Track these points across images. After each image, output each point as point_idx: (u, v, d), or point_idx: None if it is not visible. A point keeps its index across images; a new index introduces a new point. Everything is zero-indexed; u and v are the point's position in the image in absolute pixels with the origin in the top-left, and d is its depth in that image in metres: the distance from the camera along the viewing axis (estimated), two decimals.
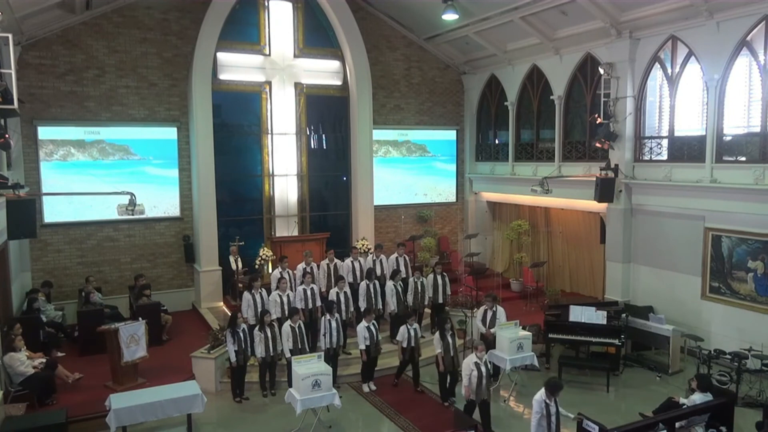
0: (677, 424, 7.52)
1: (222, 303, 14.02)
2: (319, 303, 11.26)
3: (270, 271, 13.34)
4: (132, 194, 10.47)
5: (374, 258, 12.71)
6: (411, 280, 11.98)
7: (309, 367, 8.66)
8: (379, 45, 16.33)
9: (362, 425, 9.34)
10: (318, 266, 12.30)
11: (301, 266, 12.00)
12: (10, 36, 8.55)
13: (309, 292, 11.17)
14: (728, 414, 7.88)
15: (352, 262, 12.36)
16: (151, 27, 13.82)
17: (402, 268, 12.44)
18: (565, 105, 14.47)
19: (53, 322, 11.84)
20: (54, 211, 13.23)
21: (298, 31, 15.09)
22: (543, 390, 7.33)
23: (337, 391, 8.87)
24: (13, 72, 8.37)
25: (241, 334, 9.77)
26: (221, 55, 14.18)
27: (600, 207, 13.26)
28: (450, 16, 13.56)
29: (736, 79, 10.85)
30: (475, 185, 17.86)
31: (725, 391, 9.39)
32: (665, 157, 12.19)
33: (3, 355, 9.09)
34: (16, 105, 8.55)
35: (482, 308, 10.89)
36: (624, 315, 11.69)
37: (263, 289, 11.12)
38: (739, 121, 10.97)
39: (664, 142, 12.24)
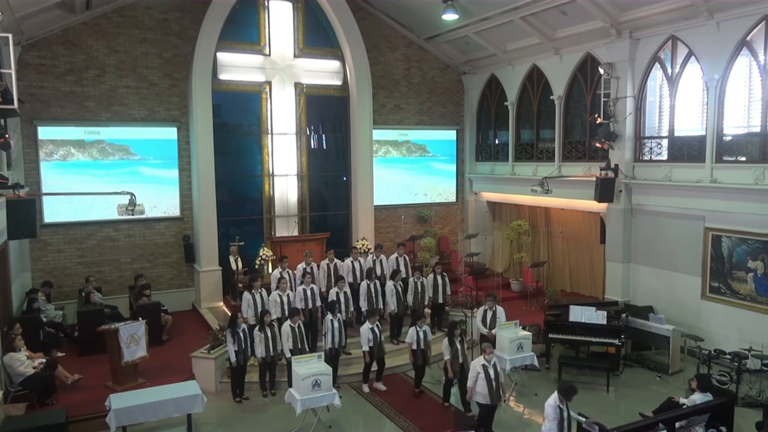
0: (677, 424, 7.52)
1: (222, 303, 14.02)
2: (319, 303, 11.27)
3: (270, 271, 13.34)
4: (132, 194, 10.47)
5: (374, 258, 12.72)
6: (411, 280, 11.99)
7: (309, 367, 8.66)
8: (379, 45, 16.33)
9: (362, 425, 9.34)
10: (318, 266, 12.31)
11: (301, 266, 12.01)
12: (10, 36, 8.54)
13: (309, 292, 11.17)
14: (728, 414, 7.87)
15: (352, 262, 12.37)
16: (151, 27, 13.83)
17: (402, 268, 12.45)
18: (565, 105, 14.47)
19: (53, 322, 11.84)
20: (54, 211, 13.23)
21: (298, 31, 15.09)
22: (556, 394, 6.98)
23: (337, 391, 8.89)
24: (13, 72, 8.37)
25: (241, 334, 9.77)
26: (221, 55, 14.19)
27: (600, 207, 13.26)
28: (450, 16, 13.57)
29: (736, 79, 10.85)
30: (475, 185, 17.86)
31: (725, 391, 9.38)
32: (665, 157, 12.19)
33: (3, 355, 9.09)
34: (16, 105, 8.56)
35: (482, 308, 10.89)
36: (624, 315, 11.68)
37: (263, 289, 11.12)
38: (739, 121, 10.97)
39: (664, 142, 12.24)
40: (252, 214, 15.13)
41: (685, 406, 7.97)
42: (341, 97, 15.68)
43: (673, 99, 11.98)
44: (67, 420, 8.13)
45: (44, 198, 12.93)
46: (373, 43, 16.06)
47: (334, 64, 15.51)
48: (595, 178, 12.63)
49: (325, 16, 15.13)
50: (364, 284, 11.53)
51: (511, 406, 9.91)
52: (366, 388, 10.33)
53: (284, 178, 15.30)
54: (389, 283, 11.66)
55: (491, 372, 8.17)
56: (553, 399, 6.98)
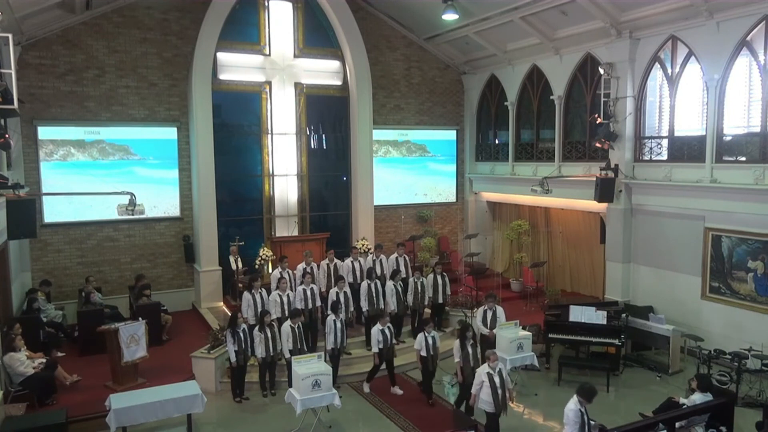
0: (677, 424, 7.52)
1: (222, 303, 14.02)
2: (319, 303, 11.26)
3: (270, 271, 13.34)
4: (132, 194, 10.47)
5: (374, 258, 12.72)
6: (411, 280, 11.98)
7: (309, 367, 8.66)
8: (379, 45, 16.33)
9: (362, 425, 9.34)
10: (318, 266, 12.30)
11: (301, 266, 12.01)
12: (10, 36, 8.54)
13: (309, 292, 11.17)
14: (728, 414, 7.87)
15: (352, 262, 12.37)
16: (151, 27, 13.83)
17: (402, 268, 12.45)
18: (565, 105, 14.47)
19: (53, 322, 11.83)
20: (54, 211, 13.23)
21: (298, 31, 15.09)
22: (575, 398, 6.86)
23: (337, 391, 8.88)
24: (13, 72, 8.37)
25: (241, 334, 9.77)
26: (221, 55, 14.18)
27: (600, 207, 13.26)
28: (450, 16, 13.57)
29: (736, 79, 10.85)
30: (475, 185, 17.86)
31: (725, 391, 9.39)
32: (665, 157, 12.19)
33: (3, 355, 9.09)
34: (16, 105, 8.55)
35: (482, 308, 10.87)
36: (624, 315, 11.68)
37: (263, 289, 11.12)
38: (739, 121, 10.97)
39: (664, 142, 12.24)
40: (252, 214, 15.13)
41: (685, 406, 7.98)
42: (341, 97, 15.68)
43: (673, 99, 11.98)
44: (67, 420, 8.13)
45: (44, 198, 12.93)
46: (373, 43, 16.06)
47: (334, 64, 15.51)
48: (595, 178, 12.63)
49: (325, 16, 15.13)
50: (364, 284, 11.52)
51: (511, 406, 9.89)
52: (366, 388, 10.33)
53: (284, 178, 15.29)
54: (389, 283, 11.66)
55: (496, 380, 7.92)
56: (574, 403, 6.84)
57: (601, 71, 12.66)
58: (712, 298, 11.37)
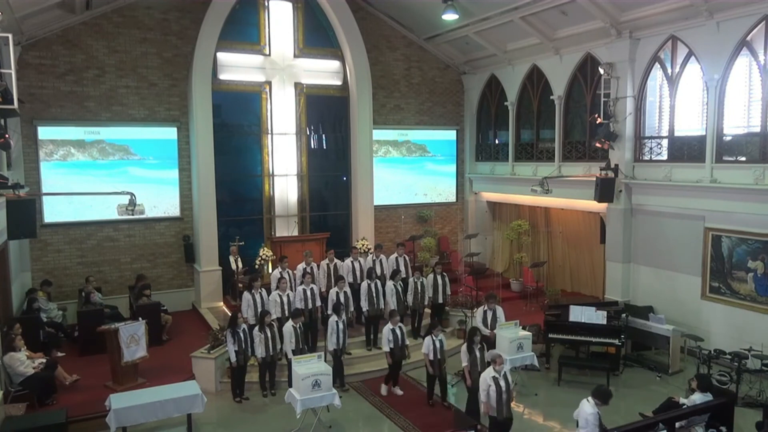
0: (677, 424, 7.52)
1: (222, 303, 14.02)
2: (319, 303, 11.26)
3: (270, 271, 13.34)
4: (132, 194, 10.47)
5: (374, 258, 12.72)
6: (411, 280, 11.98)
7: (309, 367, 8.66)
8: (379, 45, 16.33)
9: (362, 425, 9.34)
10: (318, 266, 12.30)
11: (301, 266, 12.01)
12: (10, 36, 8.54)
13: (309, 292, 11.17)
14: (728, 414, 7.87)
15: (352, 262, 12.37)
16: (151, 27, 13.83)
17: (402, 268, 12.45)
18: (565, 105, 14.47)
19: (53, 322, 11.83)
20: (54, 211, 13.23)
21: (298, 31, 15.09)
22: (592, 401, 6.86)
23: (339, 391, 8.85)
24: (13, 72, 8.37)
25: (241, 334, 9.77)
26: (221, 55, 14.18)
27: (600, 207, 13.26)
28: (450, 16, 13.57)
29: (736, 79, 10.85)
30: (475, 185, 17.86)
31: (725, 391, 9.39)
32: (665, 157, 12.19)
33: (3, 355, 9.09)
34: (16, 105, 8.55)
35: (481, 309, 10.85)
36: (624, 315, 11.68)
37: (263, 289, 11.12)
38: (739, 121, 10.97)
39: (664, 142, 12.24)
40: (252, 214, 15.13)
41: (685, 406, 7.97)
42: (341, 97, 15.68)
43: (673, 99, 11.98)
44: (67, 420, 8.13)
45: (44, 198, 12.93)
46: (373, 43, 16.06)
47: (334, 64, 15.51)
48: (595, 178, 12.63)
49: (325, 16, 15.13)
50: (364, 284, 11.52)
51: (511, 406, 9.89)
52: (384, 390, 10.17)
53: (284, 178, 15.29)
54: (389, 283, 11.66)
55: (502, 384, 7.76)
56: (591, 406, 6.83)
57: (601, 71, 12.66)
58: (712, 298, 11.37)
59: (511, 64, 15.85)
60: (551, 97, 14.67)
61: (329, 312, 10.95)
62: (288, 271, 11.79)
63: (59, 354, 11.07)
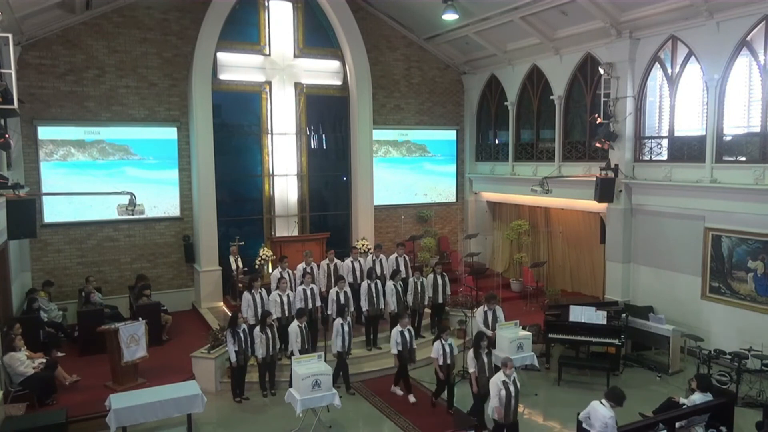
0: (677, 424, 7.52)
1: (222, 303, 14.02)
2: (319, 303, 11.26)
3: (270, 271, 13.34)
4: (132, 194, 10.47)
5: (374, 258, 12.71)
6: (411, 280, 11.98)
7: (309, 367, 8.66)
8: (379, 45, 16.33)
9: (362, 425, 9.34)
10: (318, 266, 12.30)
11: (301, 266, 12.01)
12: (10, 36, 8.54)
13: (309, 292, 11.17)
14: (728, 414, 7.88)
15: (352, 262, 12.37)
16: (151, 27, 13.83)
17: (402, 268, 12.45)
18: (565, 105, 14.47)
19: (53, 322, 11.83)
20: (54, 211, 13.23)
21: (298, 31, 15.09)
22: (607, 404, 6.88)
23: (346, 394, 8.76)
24: (13, 72, 8.37)
25: (241, 335, 9.77)
26: (221, 55, 14.18)
27: (600, 207, 13.26)
28: (450, 16, 13.56)
29: (736, 79, 10.85)
30: (475, 185, 17.86)
31: (725, 391, 9.38)
32: (665, 157, 12.19)
33: (3, 355, 9.09)
34: (16, 105, 8.55)
35: (481, 309, 10.81)
36: (624, 315, 11.68)
37: (263, 289, 11.11)
38: (739, 121, 10.97)
39: (664, 142, 12.24)
40: (252, 214, 15.13)
41: (685, 406, 7.97)
42: (341, 97, 15.68)
43: (673, 99, 11.97)
44: (67, 420, 8.13)
45: (44, 198, 12.93)
46: (373, 43, 16.06)
47: (334, 64, 15.51)
48: (595, 178, 12.63)
49: (325, 16, 15.13)
50: (364, 284, 11.52)
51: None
52: (398, 391, 10.09)
53: (284, 178, 15.29)
54: (389, 283, 11.65)
55: (511, 389, 7.67)
56: (608, 409, 6.83)
57: (601, 71, 12.66)
58: (712, 298, 11.37)
59: (511, 64, 15.85)
60: (551, 97, 14.67)
61: (329, 312, 10.96)
62: (288, 271, 11.79)
63: (59, 354, 11.07)
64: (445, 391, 9.55)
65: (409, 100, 17.04)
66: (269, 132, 15.01)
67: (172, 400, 8.36)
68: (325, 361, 9.25)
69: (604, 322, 10.94)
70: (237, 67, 14.45)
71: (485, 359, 8.72)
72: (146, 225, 14.10)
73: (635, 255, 12.86)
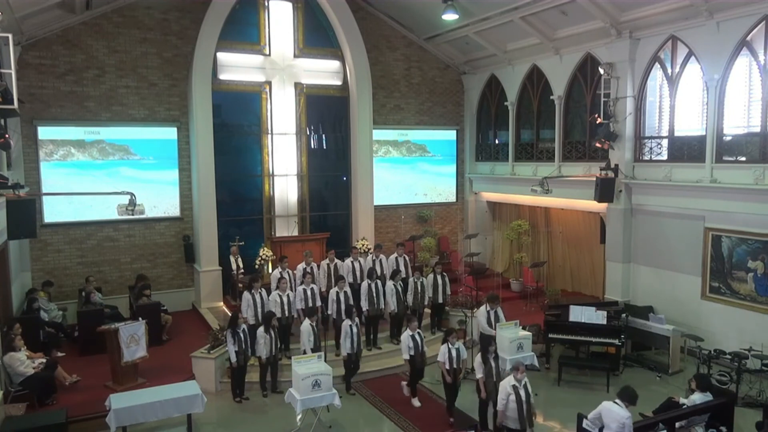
0: (677, 424, 7.52)
1: (222, 303, 14.02)
2: (319, 303, 11.25)
3: (270, 271, 13.34)
4: (132, 194, 10.47)
5: (374, 258, 12.71)
6: (411, 280, 11.98)
7: (309, 367, 8.66)
8: (379, 45, 16.33)
9: (362, 425, 9.34)
10: (318, 266, 12.30)
11: (301, 266, 12.02)
12: (10, 36, 8.54)
13: (309, 292, 11.17)
14: (728, 414, 7.88)
15: (352, 262, 12.37)
16: (151, 27, 13.82)
17: (402, 268, 12.45)
18: (565, 105, 14.46)
19: (53, 322, 11.83)
20: (54, 211, 13.23)
21: (298, 31, 15.09)
22: (622, 404, 6.85)
23: (349, 392, 8.67)
24: (13, 72, 8.37)
25: (241, 335, 9.77)
26: (221, 55, 14.18)
27: (600, 207, 13.26)
28: (450, 16, 13.56)
29: (736, 79, 10.85)
30: (475, 185, 17.86)
31: (725, 391, 9.38)
32: (665, 157, 12.19)
33: (3, 355, 9.08)
34: (16, 105, 8.55)
35: (484, 309, 10.75)
36: (624, 315, 11.68)
37: (263, 289, 11.11)
38: (739, 121, 10.97)
39: (664, 142, 12.24)
40: (252, 214, 15.13)
41: (685, 406, 7.97)
42: (341, 97, 15.68)
43: (673, 99, 11.97)
44: (67, 420, 8.13)
45: (44, 198, 12.93)
46: (373, 43, 16.06)
47: (334, 64, 15.51)
48: (595, 178, 12.63)
49: (325, 16, 15.13)
50: (365, 284, 11.51)
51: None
52: (416, 403, 9.75)
53: (284, 178, 15.29)
54: (389, 283, 11.65)
55: (522, 393, 7.50)
56: (623, 408, 6.80)
57: (601, 71, 12.65)
58: (712, 298, 11.37)
59: (511, 64, 15.85)
60: (551, 97, 14.67)
61: (329, 312, 10.96)
62: (288, 271, 11.79)
63: (59, 354, 11.07)
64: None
65: (409, 100, 17.03)
66: (269, 132, 15.01)
67: (172, 400, 8.36)
68: (325, 361, 9.26)
69: (604, 322, 10.94)
70: (237, 67, 14.45)
71: (493, 364, 8.49)
72: (146, 225, 14.10)
73: (635, 255, 12.86)
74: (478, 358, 8.62)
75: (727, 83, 10.87)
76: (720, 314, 11.20)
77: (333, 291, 11.15)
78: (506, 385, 7.57)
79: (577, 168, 13.82)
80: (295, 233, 15.14)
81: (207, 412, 9.09)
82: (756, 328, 10.48)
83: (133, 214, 10.68)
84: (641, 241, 12.72)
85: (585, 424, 7.22)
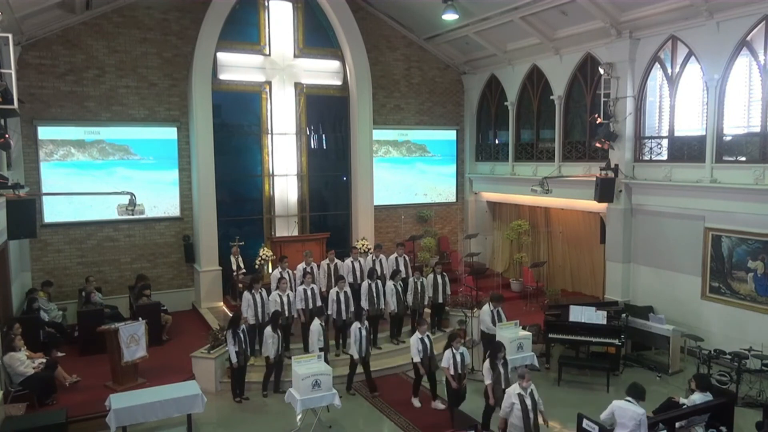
0: (677, 424, 7.51)
1: (222, 303, 14.02)
2: (319, 303, 11.25)
3: (270, 271, 13.34)
4: (132, 194, 10.47)
5: (374, 258, 12.71)
6: (411, 280, 11.98)
7: (309, 367, 8.66)
8: (379, 45, 16.33)
9: (362, 425, 9.33)
10: (318, 266, 12.30)
11: (301, 266, 12.02)
12: (10, 36, 8.54)
13: (309, 292, 11.17)
14: (728, 414, 7.87)
15: (352, 262, 12.38)
16: (151, 27, 13.82)
17: (402, 268, 12.45)
18: (565, 105, 14.46)
19: (53, 322, 11.83)
20: (54, 211, 13.23)
21: (298, 31, 15.09)
22: (634, 401, 6.88)
23: (349, 392, 8.63)
24: (13, 72, 8.37)
25: (241, 335, 9.77)
26: (221, 55, 14.18)
27: (600, 207, 13.26)
28: (450, 16, 13.56)
29: (736, 79, 10.85)
30: (475, 185, 17.86)
31: (725, 391, 9.38)
32: (665, 157, 12.19)
33: (3, 355, 9.08)
34: (16, 105, 8.55)
35: (487, 308, 10.72)
36: (624, 315, 11.68)
37: (263, 289, 11.11)
38: (739, 121, 10.97)
39: (664, 142, 12.24)
40: (252, 214, 15.13)
41: (685, 406, 7.97)
42: (341, 97, 15.68)
43: (673, 99, 11.97)
44: (67, 420, 8.13)
45: (44, 198, 12.93)
46: (373, 43, 16.06)
47: (334, 64, 15.51)
48: (595, 178, 12.63)
49: (325, 16, 15.13)
50: (365, 284, 11.51)
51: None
52: (416, 402, 9.71)
53: (284, 178, 15.29)
54: (389, 283, 11.65)
55: (528, 402, 7.28)
56: (636, 405, 6.83)
57: (601, 71, 12.65)
58: (712, 298, 11.37)
59: (511, 64, 15.85)
60: (551, 97, 14.67)
61: (329, 312, 10.95)
62: (288, 271, 11.80)
63: (59, 354, 11.07)
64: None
65: (409, 100, 17.03)
66: (269, 132, 15.01)
67: (172, 400, 8.36)
68: (325, 361, 9.26)
69: (604, 322, 10.94)
70: (237, 67, 14.45)
71: (501, 370, 8.32)
72: (146, 225, 14.10)
73: (635, 255, 12.86)
74: (486, 363, 8.42)
75: (727, 83, 10.87)
76: (720, 314, 11.20)
77: (333, 291, 11.15)
78: (512, 393, 7.42)
79: (577, 168, 13.82)
80: (295, 233, 15.15)
81: (207, 412, 9.08)
82: (756, 328, 10.48)
83: (133, 214, 10.68)
84: (641, 241, 12.72)
85: (585, 424, 7.21)
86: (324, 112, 15.74)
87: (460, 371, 8.81)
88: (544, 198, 13.80)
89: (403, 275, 12.17)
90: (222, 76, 14.28)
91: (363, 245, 13.95)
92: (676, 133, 12.01)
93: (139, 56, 13.75)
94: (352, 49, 15.07)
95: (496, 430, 8.19)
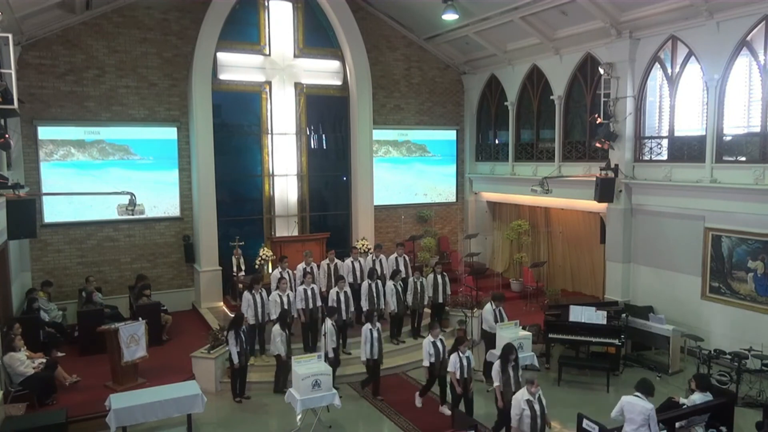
0: (677, 424, 7.52)
1: (222, 303, 14.02)
2: (319, 303, 11.25)
3: (270, 271, 13.34)
4: (132, 194, 10.48)
5: (374, 258, 12.71)
6: (411, 280, 11.97)
7: (309, 367, 8.66)
8: (379, 45, 16.33)
9: (362, 425, 9.34)
10: (318, 266, 12.30)
11: (301, 266, 12.01)
12: (10, 36, 8.54)
13: (309, 292, 11.16)
14: (728, 414, 7.88)
15: (352, 262, 12.37)
16: (151, 27, 13.83)
17: (402, 267, 12.45)
18: (565, 105, 14.46)
19: (53, 322, 11.83)
20: (54, 211, 13.23)
21: (298, 31, 15.09)
22: (643, 397, 6.91)
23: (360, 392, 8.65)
24: (13, 72, 8.37)
25: (242, 335, 9.76)
26: (221, 55, 14.18)
27: (600, 207, 13.26)
28: (450, 16, 13.56)
29: (736, 79, 10.85)
30: (475, 185, 17.86)
31: (725, 391, 9.38)
32: (665, 157, 12.19)
33: (3, 355, 9.08)
34: (16, 105, 8.55)
35: (489, 307, 10.71)
36: (624, 315, 11.68)
37: (263, 289, 11.11)
38: (739, 121, 10.97)
39: (664, 142, 12.24)
40: (252, 214, 15.13)
41: (685, 406, 7.97)
42: (341, 97, 15.68)
43: (673, 99, 11.97)
44: (67, 420, 8.13)
45: (44, 198, 12.93)
46: (373, 43, 16.06)
47: (334, 64, 15.51)
48: (595, 178, 12.63)
49: (325, 16, 15.13)
50: (365, 284, 11.51)
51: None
52: (419, 402, 9.71)
53: (284, 178, 15.29)
54: (389, 283, 11.65)
55: (537, 408, 7.15)
56: (645, 400, 6.87)
57: (601, 71, 12.65)
58: (712, 298, 11.37)
59: (511, 64, 15.85)
60: (551, 97, 14.67)
61: (327, 312, 10.93)
62: (288, 271, 11.79)
63: (59, 354, 11.07)
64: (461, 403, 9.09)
65: (409, 100, 17.03)
66: (269, 132, 15.01)
67: (172, 400, 8.36)
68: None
69: (604, 322, 10.94)
70: (237, 67, 14.45)
71: (512, 373, 8.15)
72: (146, 225, 14.10)
73: (635, 255, 12.86)
74: (496, 366, 8.27)
75: (727, 83, 10.87)
76: (720, 314, 11.20)
77: (333, 291, 11.14)
78: (520, 399, 7.25)
79: (577, 168, 13.82)
80: (295, 233, 15.15)
81: (207, 412, 9.08)
82: (756, 328, 10.48)
83: (133, 214, 10.68)
84: (641, 241, 12.72)
85: (585, 424, 7.21)
86: (324, 112, 15.74)
87: (465, 375, 8.74)
88: (544, 198, 13.80)
89: (403, 275, 12.17)
90: (222, 76, 14.28)
91: (363, 245, 13.95)
92: (676, 133, 12.01)
93: (139, 56, 13.75)
94: (352, 49, 15.07)
95: None
